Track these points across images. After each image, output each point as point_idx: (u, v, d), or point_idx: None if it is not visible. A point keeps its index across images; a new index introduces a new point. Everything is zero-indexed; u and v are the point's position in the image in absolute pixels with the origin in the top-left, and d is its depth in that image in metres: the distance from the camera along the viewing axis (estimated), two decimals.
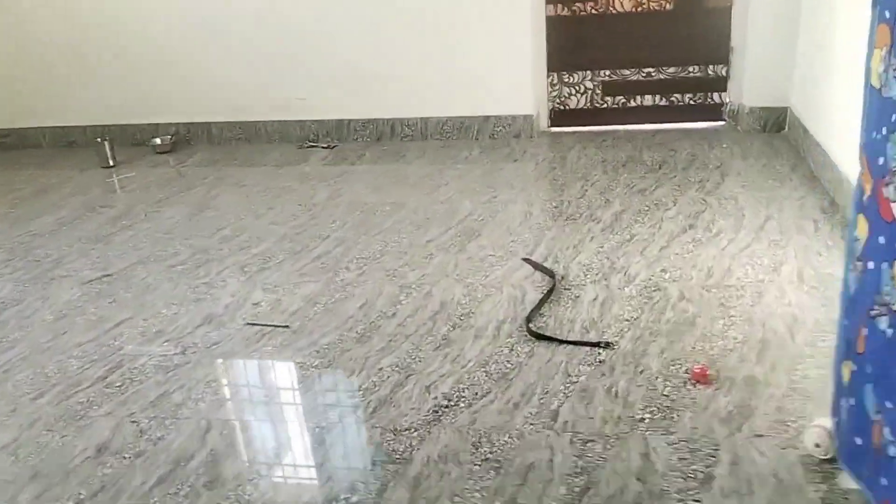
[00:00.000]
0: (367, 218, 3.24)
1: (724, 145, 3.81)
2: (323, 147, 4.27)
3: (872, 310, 1.23)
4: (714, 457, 1.73)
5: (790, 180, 3.28)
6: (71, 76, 4.49)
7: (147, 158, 4.31)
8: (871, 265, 1.23)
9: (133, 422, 2.01)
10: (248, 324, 2.45)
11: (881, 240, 1.17)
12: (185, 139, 4.50)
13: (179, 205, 3.56)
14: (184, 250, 3.05)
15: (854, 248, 1.34)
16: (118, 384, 2.18)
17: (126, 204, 3.62)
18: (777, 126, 3.96)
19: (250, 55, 4.26)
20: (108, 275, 2.88)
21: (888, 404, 1.21)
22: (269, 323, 2.44)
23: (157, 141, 4.36)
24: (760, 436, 1.78)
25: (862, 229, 1.26)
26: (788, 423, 1.82)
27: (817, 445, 1.69)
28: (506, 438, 1.84)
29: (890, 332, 1.16)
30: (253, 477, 1.78)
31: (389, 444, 1.85)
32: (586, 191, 3.35)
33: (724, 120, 4.17)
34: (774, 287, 2.42)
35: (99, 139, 4.18)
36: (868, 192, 1.22)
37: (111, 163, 4.15)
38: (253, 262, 2.90)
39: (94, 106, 4.53)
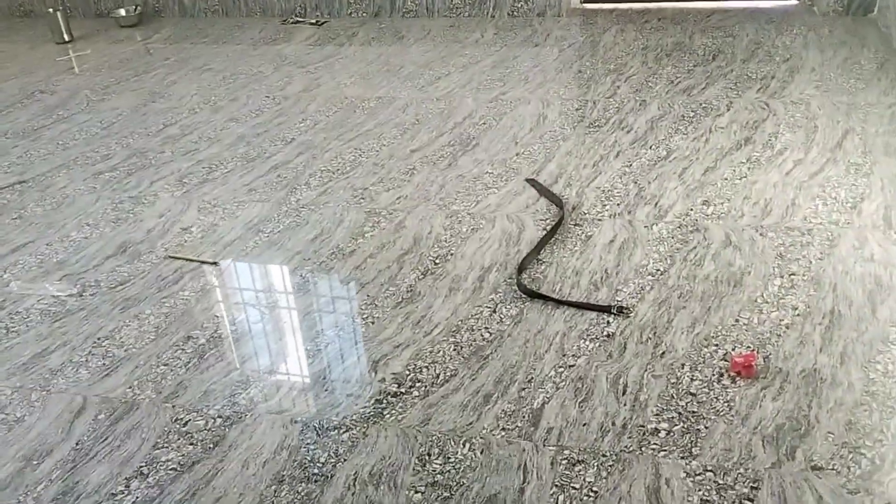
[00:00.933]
0: (344, 117, 2.66)
1: (796, 31, 3.07)
2: (311, 23, 3.62)
3: None
4: (751, 501, 1.21)
5: (879, 80, 2.58)
6: None
7: (109, 33, 3.72)
8: None
9: None
10: (169, 257, 1.95)
11: None
12: (154, 10, 3.87)
13: (129, 92, 3.01)
14: (119, 151, 2.52)
15: None
16: None
17: (69, 90, 3.08)
18: (864, 7, 3.18)
19: None
20: (23, 181, 2.38)
21: None
22: (194, 258, 1.93)
23: (122, 12, 3.76)
24: (820, 468, 1.25)
25: None
26: (861, 452, 1.28)
27: None
28: (465, 450, 1.34)
29: None
30: (119, 489, 1.32)
31: (309, 451, 1.37)
32: (618, 88, 2.70)
33: None
34: (853, 233, 1.82)
35: (51, 9, 3.58)
36: None
37: (66, 37, 3.58)
38: (196, 170, 2.37)
39: None
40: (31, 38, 3.73)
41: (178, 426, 1.44)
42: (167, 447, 1.40)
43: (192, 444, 1.40)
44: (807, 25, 3.14)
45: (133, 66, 3.27)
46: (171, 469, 1.36)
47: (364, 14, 3.68)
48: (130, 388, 1.54)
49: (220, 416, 1.46)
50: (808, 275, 1.70)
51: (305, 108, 2.74)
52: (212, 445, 1.40)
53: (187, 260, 1.93)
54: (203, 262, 1.92)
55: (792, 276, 1.69)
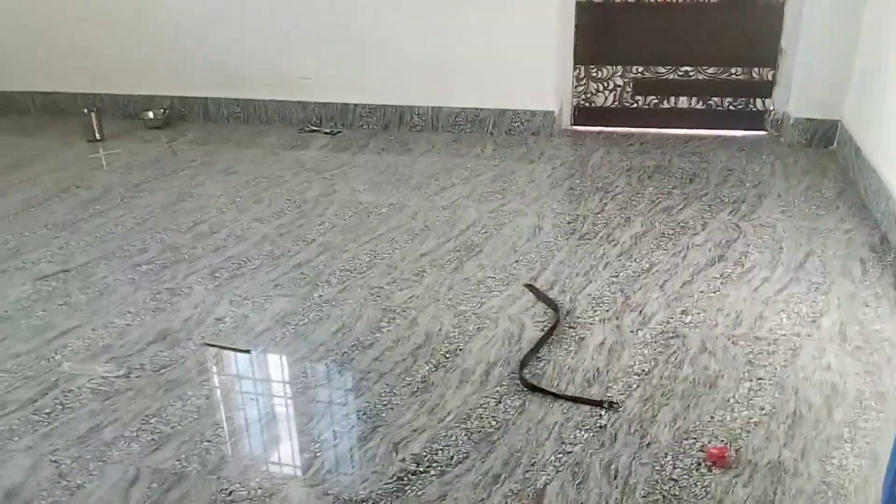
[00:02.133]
0: (359, 221, 2.93)
1: (765, 159, 3.44)
2: (325, 132, 3.95)
3: None
4: None
5: (837, 208, 2.92)
6: (63, 40, 4.20)
7: (137, 133, 4.03)
8: None
9: (53, 461, 1.74)
10: (206, 344, 2.16)
11: None
12: (179, 114, 4.21)
13: (160, 190, 3.28)
14: (153, 245, 2.77)
15: None
16: (47, 410, 1.91)
17: (104, 185, 3.34)
18: (825, 141, 3.57)
19: (254, 27, 3.94)
20: (66, 270, 2.61)
21: None
22: (228, 346, 2.15)
23: (150, 115, 4.08)
24: None
25: None
26: None
27: None
28: None
29: None
30: None
31: None
32: (605, 205, 3.01)
33: (767, 130, 3.79)
34: (812, 344, 2.09)
35: (87, 109, 3.89)
36: None
37: (97, 136, 3.88)
38: (226, 266, 2.61)
39: (86, 73, 4.24)
40: (63, 134, 4.03)
41: (223, 495, 1.63)
42: None
43: None
44: (774, 154, 3.51)
45: (161, 166, 3.56)
46: None
47: (375, 126, 4.03)
48: (178, 460, 1.73)
49: (260, 488, 1.65)
50: (773, 380, 1.95)
51: (324, 212, 3.02)
52: None
53: (222, 347, 2.15)
54: (237, 350, 2.13)
55: (759, 381, 1.94)
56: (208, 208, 3.08)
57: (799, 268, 2.49)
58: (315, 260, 2.64)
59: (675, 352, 2.08)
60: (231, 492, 1.64)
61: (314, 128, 4.01)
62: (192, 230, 2.89)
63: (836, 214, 2.86)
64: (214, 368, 2.06)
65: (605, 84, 3.88)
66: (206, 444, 1.79)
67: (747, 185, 3.17)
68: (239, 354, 2.12)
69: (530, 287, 2.43)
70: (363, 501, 1.61)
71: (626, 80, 3.86)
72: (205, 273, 2.57)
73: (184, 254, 2.71)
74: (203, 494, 1.63)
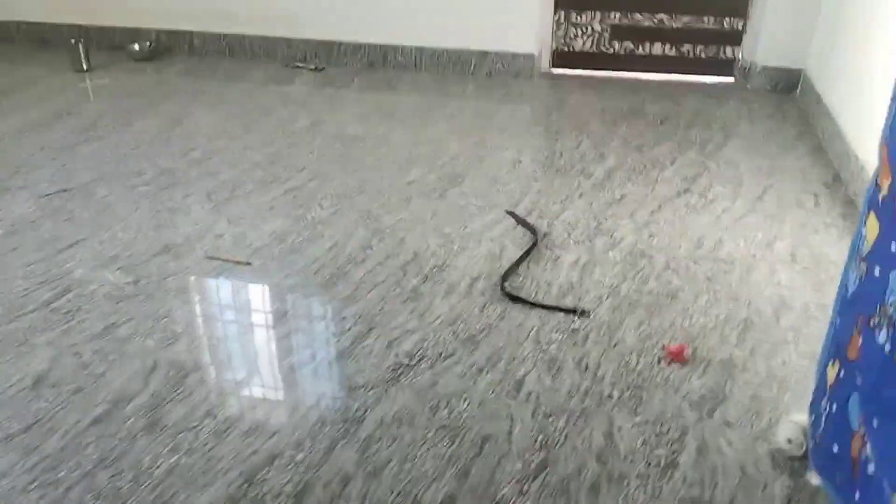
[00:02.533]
0: (347, 151, 3.07)
1: (732, 104, 3.64)
2: (310, 69, 4.05)
3: (872, 319, 1.11)
4: (680, 442, 1.64)
5: (795, 149, 3.13)
6: None
7: (123, 65, 4.09)
8: (877, 271, 1.11)
9: (76, 353, 1.89)
10: (209, 257, 2.31)
11: (893, 247, 1.05)
12: (165, 47, 4.26)
13: (152, 118, 3.37)
14: (150, 169, 2.89)
15: (859, 246, 1.21)
16: (64, 311, 2.05)
17: (96, 112, 3.43)
18: (789, 88, 3.78)
19: None
20: (66, 189, 2.72)
21: (875, 422, 1.10)
22: (230, 258, 2.31)
23: (136, 47, 4.13)
24: (731, 424, 1.69)
25: (872, 229, 1.13)
26: (762, 414, 1.72)
27: (789, 441, 1.60)
28: (465, 405, 1.74)
29: (888, 347, 1.05)
30: (195, 424, 1.67)
31: (343, 402, 1.75)
32: (581, 142, 3.19)
33: (735, 77, 3.98)
34: (765, 264, 2.30)
35: (73, 40, 3.94)
36: (885, 191, 1.08)
37: (84, 66, 3.93)
38: (221, 189, 2.75)
39: (72, 3, 4.27)
40: (50, 64, 4.07)
41: (233, 385, 1.81)
42: (231, 395, 1.76)
43: (252, 394, 1.77)
44: (741, 100, 3.71)
45: (150, 97, 3.64)
46: (237, 411, 1.72)
47: (358, 65, 4.14)
48: (191, 353, 1.90)
49: (272, 376, 1.83)
50: (729, 293, 2.16)
51: (312, 142, 3.15)
52: (269, 395, 1.77)
53: (224, 260, 2.30)
54: (238, 262, 2.29)
55: (716, 294, 2.16)
56: (199, 136, 3.19)
57: (757, 200, 2.70)
58: (306, 186, 2.79)
59: (641, 269, 2.28)
60: (238, 381, 1.82)
61: (299, 64, 4.10)
62: (186, 156, 3.01)
63: (794, 154, 3.07)
64: (219, 278, 2.22)
65: (584, 29, 4.03)
66: (215, 341, 1.95)
67: (714, 127, 3.36)
68: (240, 266, 2.28)
69: (511, 213, 2.60)
70: (363, 387, 1.79)
71: (603, 25, 4.01)
72: (201, 195, 2.70)
73: (179, 177, 2.83)
74: (218, 382, 1.81)
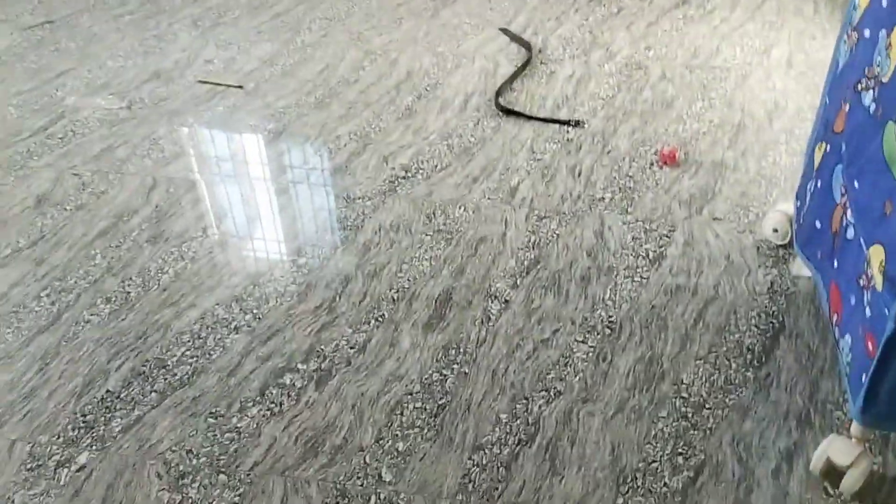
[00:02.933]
0: None
1: None
2: None
3: (859, 83, 1.12)
4: (668, 237, 1.70)
5: None
6: None
7: None
8: (867, 33, 1.10)
9: (75, 174, 1.92)
10: (200, 81, 2.29)
11: (884, 2, 1.03)
12: None
13: None
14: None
15: (851, 17, 1.20)
16: (60, 136, 2.06)
17: None
18: None
19: None
20: (50, 21, 2.65)
21: (856, 184, 1.13)
22: (221, 82, 2.29)
23: None
24: (719, 219, 1.74)
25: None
26: (750, 209, 1.76)
27: (775, 230, 1.65)
28: (461, 211, 1.79)
29: (873, 106, 1.06)
30: (198, 235, 1.73)
31: (341, 212, 1.79)
32: None
33: None
34: (761, 70, 2.28)
35: None
36: None
37: None
38: (207, 15, 2.68)
39: None
40: None
41: (230, 202, 1.85)
42: (231, 209, 1.81)
43: (255, 206, 1.82)
44: None
45: None
46: (238, 224, 1.77)
47: None
48: (190, 171, 1.93)
49: (267, 193, 1.87)
50: (723, 99, 2.15)
51: None
52: (277, 195, 1.81)
53: (216, 84, 2.28)
54: (230, 86, 2.27)
55: (711, 100, 2.15)
56: None
57: (756, 9, 2.62)
58: (294, 9, 2.71)
59: (636, 80, 2.26)
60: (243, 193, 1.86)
61: None
62: None
63: None
64: (213, 100, 2.21)
65: None
66: (211, 160, 1.98)
67: None
68: (232, 90, 2.26)
69: (504, 30, 2.54)
70: (360, 198, 1.83)
71: None
72: (187, 22, 2.63)
73: (163, 5, 2.75)
74: (215, 197, 1.85)
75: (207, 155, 1.99)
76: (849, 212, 1.17)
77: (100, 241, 1.71)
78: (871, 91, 1.06)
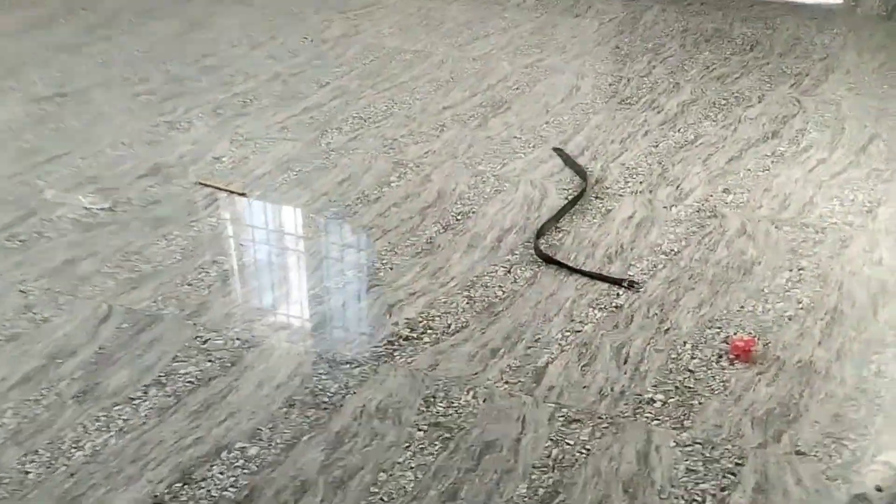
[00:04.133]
0: (380, 67, 2.68)
1: (837, 30, 3.07)
2: None
3: None
4: (734, 475, 1.28)
5: None
6: None
7: None
8: None
9: (22, 291, 1.63)
10: (200, 183, 2.00)
11: None
12: None
13: (171, 18, 3.04)
14: (157, 76, 2.56)
15: None
16: (23, 237, 1.79)
17: (112, 9, 3.11)
18: None
19: None
20: (62, 94, 2.43)
21: None
22: (223, 187, 1.99)
23: None
24: (803, 453, 1.31)
25: None
26: (844, 442, 1.33)
27: (878, 489, 1.23)
28: (469, 397, 1.41)
29: None
30: (137, 396, 1.39)
31: (319, 381, 1.44)
32: (654, 68, 2.71)
33: None
34: (864, 236, 1.86)
35: None
36: None
37: None
38: (231, 103, 2.42)
39: None
40: None
41: (198, 343, 1.51)
42: (187, 361, 1.47)
43: (210, 361, 1.47)
44: (847, 26, 3.13)
45: None
46: (188, 381, 1.43)
47: None
48: (155, 302, 1.61)
49: (238, 339, 1.53)
50: (816, 271, 1.74)
51: (343, 54, 2.77)
52: (229, 364, 1.47)
53: (217, 188, 1.99)
54: (232, 192, 1.97)
55: (801, 271, 1.74)
56: (220, 41, 2.85)
57: (861, 151, 2.22)
58: (328, 104, 2.43)
59: (710, 232, 1.87)
60: (206, 340, 1.52)
61: None
62: (200, 62, 2.67)
63: None
64: (206, 210, 1.91)
65: None
66: (186, 287, 1.66)
67: (814, 57, 2.83)
68: (234, 197, 1.96)
69: (559, 151, 2.20)
70: (348, 363, 1.48)
71: None
72: (207, 108, 2.38)
73: (188, 86, 2.51)
74: (176, 339, 1.52)
75: (181, 281, 1.68)
76: None
77: (18, 390, 1.39)
78: None
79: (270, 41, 2.86)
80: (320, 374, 1.45)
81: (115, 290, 1.63)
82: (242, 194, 1.97)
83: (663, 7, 3.29)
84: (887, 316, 1.62)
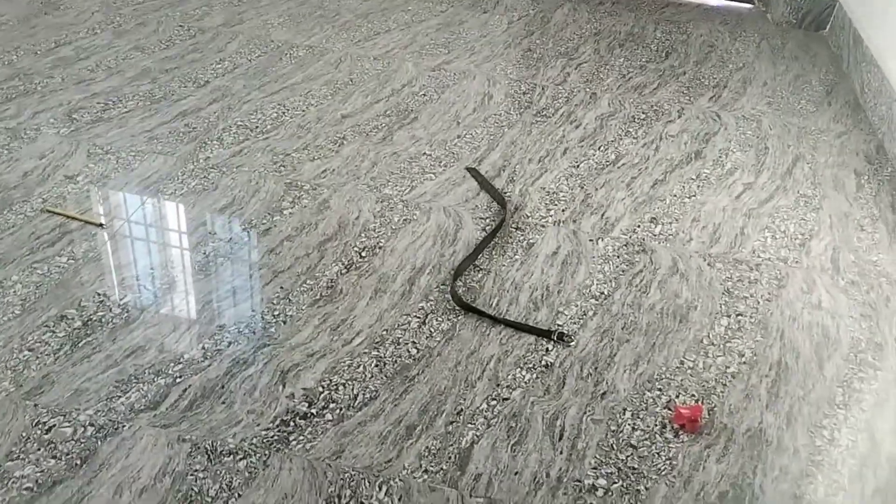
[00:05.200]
0: (268, 64, 2.37)
1: (749, 38, 2.99)
2: None
3: None
4: None
5: (828, 105, 2.52)
6: None
7: None
8: None
9: None
10: (47, 211, 1.65)
11: None
12: None
13: None
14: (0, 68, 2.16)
15: None
16: None
17: None
18: (818, 23, 3.13)
19: None
20: None
21: None
22: (77, 216, 1.65)
23: None
24: None
25: None
26: None
27: None
28: (382, 495, 1.17)
29: None
30: None
31: (195, 480, 1.16)
32: (568, 74, 2.53)
33: (753, 2, 3.31)
34: (800, 274, 1.74)
35: None
36: None
37: None
38: (89, 105, 2.05)
39: None
40: None
41: (39, 432, 1.20)
42: (23, 459, 1.16)
43: (55, 457, 1.17)
44: (760, 33, 3.06)
45: None
46: (25, 489, 1.12)
47: None
48: None
49: (92, 424, 1.23)
50: (755, 317, 1.60)
51: (224, 47, 2.43)
52: (79, 462, 1.17)
53: (69, 217, 1.64)
54: (88, 223, 1.64)
55: (739, 317, 1.60)
56: (77, 27, 2.44)
57: (786, 175, 2.11)
58: (206, 109, 2.10)
59: (640, 271, 1.70)
60: (50, 428, 1.21)
61: None
62: (53, 53, 2.27)
63: (827, 113, 2.47)
64: (55, 246, 1.57)
65: None
66: (26, 353, 1.33)
67: (730, 66, 2.72)
68: (91, 228, 1.63)
69: (473, 171, 1.98)
70: (230, 454, 1.21)
71: None
72: (60, 112, 2.00)
73: (36, 84, 2.11)
74: (10, 427, 1.20)
75: (18, 345, 1.34)
76: None
77: None
78: None
79: (138, 28, 2.48)
80: (196, 470, 1.17)
81: None
82: (100, 225, 1.63)
83: (574, 6, 3.11)
84: (833, 370, 1.49)
